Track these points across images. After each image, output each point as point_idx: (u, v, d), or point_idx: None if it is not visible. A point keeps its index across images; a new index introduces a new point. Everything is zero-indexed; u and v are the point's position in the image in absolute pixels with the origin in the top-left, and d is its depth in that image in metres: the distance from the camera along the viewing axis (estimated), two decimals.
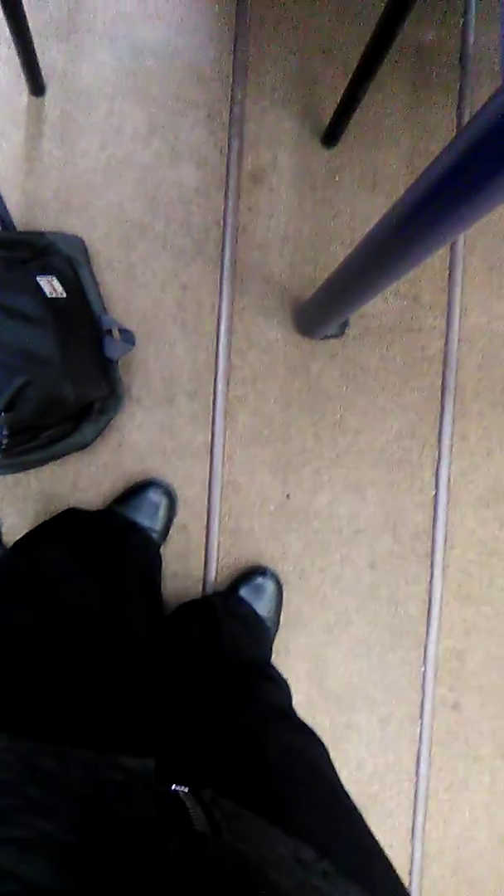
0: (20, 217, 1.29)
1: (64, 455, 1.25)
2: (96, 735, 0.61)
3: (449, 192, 0.59)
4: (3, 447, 1.03)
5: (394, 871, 0.64)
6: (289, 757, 0.72)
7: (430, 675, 1.39)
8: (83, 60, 1.33)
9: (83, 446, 1.24)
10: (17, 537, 1.20)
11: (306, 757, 0.74)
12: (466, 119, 1.41)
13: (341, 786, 0.73)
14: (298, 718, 0.86)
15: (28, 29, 1.16)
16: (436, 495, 1.39)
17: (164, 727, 0.77)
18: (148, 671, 0.85)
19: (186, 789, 0.47)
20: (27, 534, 1.15)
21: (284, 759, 0.71)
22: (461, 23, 1.41)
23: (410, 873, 1.40)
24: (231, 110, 1.36)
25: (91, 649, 0.76)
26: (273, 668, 1.15)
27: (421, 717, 1.40)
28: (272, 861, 0.44)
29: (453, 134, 1.40)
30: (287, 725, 0.81)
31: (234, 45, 1.36)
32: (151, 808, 0.42)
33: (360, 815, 0.69)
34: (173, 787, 0.47)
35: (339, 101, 1.28)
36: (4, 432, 1.02)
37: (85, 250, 1.28)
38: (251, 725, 0.77)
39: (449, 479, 1.39)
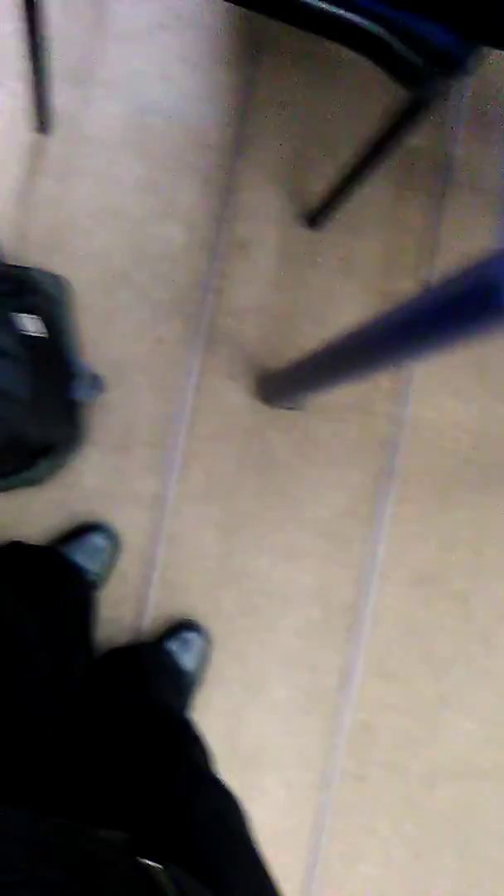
0: (6, 250, 1.31)
1: (14, 489, 1.25)
2: (47, 795, 0.63)
3: (419, 333, 0.66)
4: None
5: None
6: (216, 826, 0.75)
7: (340, 745, 1.44)
8: (93, 108, 1.37)
9: (35, 483, 1.25)
10: None
11: (230, 826, 0.77)
12: (444, 223, 1.51)
13: (258, 852, 0.76)
14: (221, 783, 0.89)
15: (47, 70, 1.19)
16: (367, 572, 1.45)
17: (97, 787, 0.78)
18: (83, 722, 0.87)
19: (159, 865, 0.48)
20: None
21: (212, 828, 0.74)
22: (447, 134, 1.51)
23: None
24: (226, 179, 1.42)
25: (37, 695, 0.77)
26: (194, 724, 1.17)
27: (325, 785, 1.43)
28: None
29: (432, 234, 1.50)
30: (213, 792, 0.84)
31: (239, 119, 1.43)
32: (130, 879, 0.44)
33: (273, 881, 0.73)
34: (146, 861, 0.48)
35: (327, 188, 1.35)
36: None
37: (68, 291, 1.31)
38: (182, 791, 0.80)
39: (382, 558, 1.46)
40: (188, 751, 0.97)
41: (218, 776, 0.94)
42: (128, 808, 0.74)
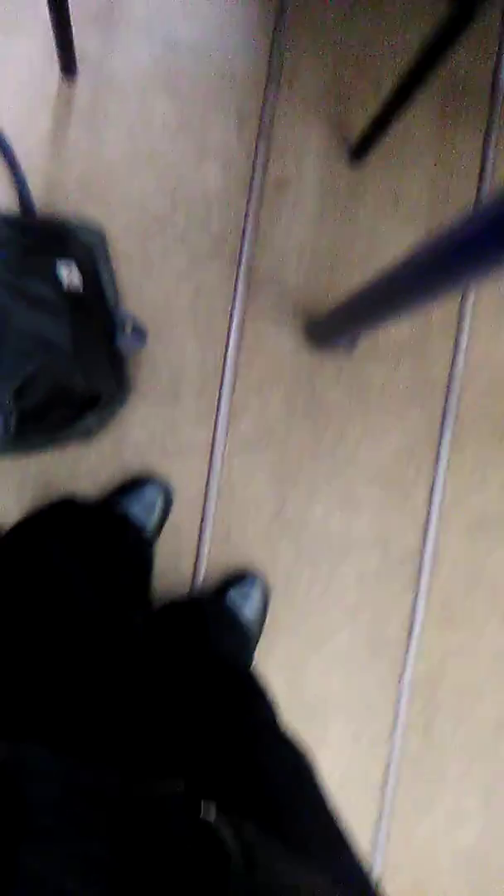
0: (41, 201, 1.28)
1: (66, 443, 1.24)
2: (106, 744, 0.61)
3: (476, 250, 0.60)
4: (10, 432, 1.02)
5: (370, 881, 0.65)
6: (285, 774, 0.72)
7: (404, 695, 1.40)
8: (119, 51, 1.32)
9: (87, 435, 1.23)
10: (10, 520, 1.19)
11: (300, 774, 0.74)
12: (492, 152, 1.43)
13: (329, 800, 0.73)
14: (288, 733, 0.86)
15: (68, 10, 1.14)
16: (428, 518, 1.40)
17: (160, 736, 0.76)
18: (144, 674, 0.85)
19: (217, 814, 0.46)
20: (24, 521, 1.14)
21: (281, 777, 0.71)
22: (493, 64, 1.42)
23: None
24: (261, 115, 1.36)
25: (94, 649, 0.75)
26: (258, 677, 1.15)
27: (392, 736, 1.41)
28: (303, 892, 0.44)
29: (478, 165, 1.42)
30: (280, 742, 0.81)
31: (271, 53, 1.36)
32: (186, 830, 0.42)
33: (344, 827, 0.70)
34: (203, 809, 0.46)
35: (368, 118, 1.29)
36: (13, 417, 1.01)
37: (105, 241, 1.27)
38: (246, 742, 0.77)
39: (442, 503, 1.41)
40: (252, 703, 0.95)
41: (285, 727, 0.91)
42: (190, 760, 0.71)
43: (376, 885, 0.66)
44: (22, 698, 0.63)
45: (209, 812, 0.45)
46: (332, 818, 0.71)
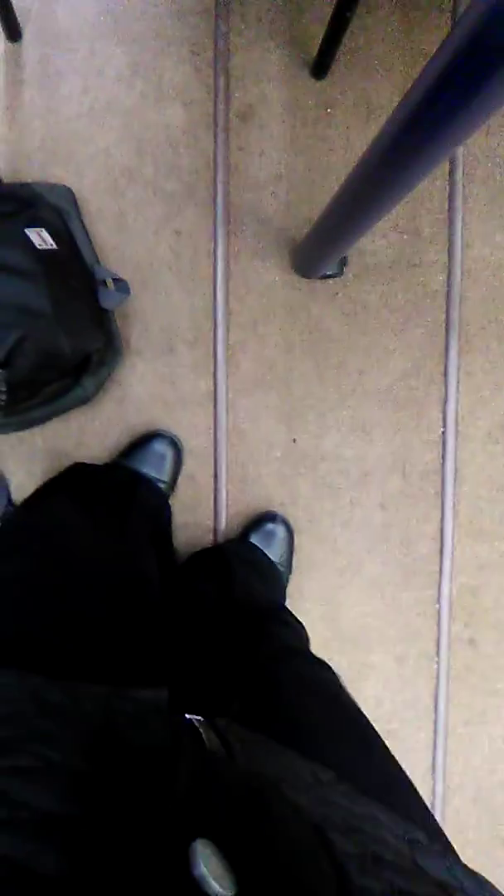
0: (4, 169, 1.26)
1: (66, 410, 1.24)
2: (106, 675, 0.61)
3: (440, 99, 0.56)
4: (2, 404, 1.02)
5: (419, 797, 0.64)
6: (306, 688, 0.72)
7: (444, 612, 1.40)
8: (61, 3, 1.28)
9: (85, 400, 1.23)
10: (25, 496, 1.20)
11: (324, 688, 0.74)
12: None
13: (363, 716, 0.72)
14: (314, 655, 0.86)
15: None
16: (444, 433, 1.37)
17: (176, 666, 0.77)
18: (162, 618, 0.85)
19: (200, 718, 0.47)
20: (35, 491, 1.15)
21: (301, 691, 0.71)
22: None
23: (432, 807, 1.43)
24: (215, 45, 1.31)
25: (100, 597, 0.76)
26: (289, 612, 1.15)
27: (437, 654, 1.40)
28: (289, 780, 0.44)
29: None
30: (303, 661, 0.81)
31: None
32: (164, 735, 0.42)
33: (383, 743, 0.69)
34: (186, 715, 0.47)
35: (326, 28, 1.23)
36: (3, 388, 1.01)
37: (73, 200, 1.25)
38: (266, 661, 0.77)
39: (456, 416, 1.38)
40: (276, 633, 0.95)
41: (309, 651, 0.91)
42: (210, 684, 0.72)
43: (411, 788, 0.65)
44: (18, 632, 0.64)
45: (193, 717, 0.45)
46: (361, 730, 0.70)
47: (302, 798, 0.43)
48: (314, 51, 1.31)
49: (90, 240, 1.25)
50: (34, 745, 0.38)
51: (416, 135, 0.64)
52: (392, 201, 0.84)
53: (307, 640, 1.08)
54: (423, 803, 0.64)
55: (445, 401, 1.37)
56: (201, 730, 0.44)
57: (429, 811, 0.63)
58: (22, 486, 1.28)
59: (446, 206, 1.36)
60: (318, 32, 1.28)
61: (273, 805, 0.40)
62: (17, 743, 0.38)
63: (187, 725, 0.45)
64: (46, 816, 0.34)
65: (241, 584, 1.12)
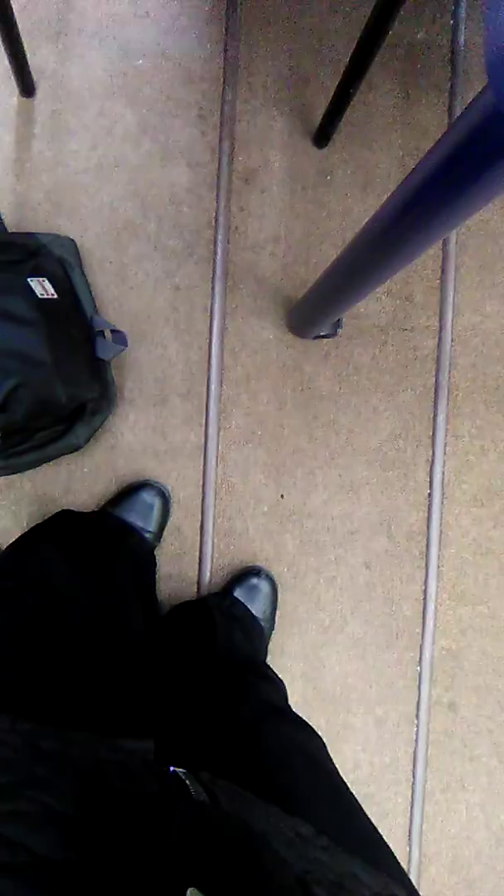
0: (10, 219, 1.29)
1: (57, 457, 1.24)
2: (92, 723, 0.61)
3: (439, 188, 0.59)
4: None
5: (394, 856, 0.64)
6: (287, 749, 0.72)
7: (425, 675, 1.39)
8: (73, 61, 1.33)
9: (76, 448, 1.23)
10: (11, 540, 1.20)
11: (304, 749, 0.74)
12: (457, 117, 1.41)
13: (340, 777, 0.72)
14: (295, 714, 0.86)
15: (17, 28, 1.15)
16: (430, 495, 1.39)
17: (160, 719, 0.77)
18: (144, 668, 0.85)
19: (185, 770, 0.47)
20: (21, 536, 1.15)
21: (282, 751, 0.71)
22: (451, 22, 1.41)
23: (409, 873, 1.40)
24: (222, 110, 1.35)
25: (87, 647, 0.75)
26: (269, 668, 1.14)
27: (417, 717, 1.39)
28: (273, 833, 0.44)
29: (446, 131, 1.40)
30: (284, 720, 0.81)
31: (225, 45, 1.36)
32: (152, 785, 0.43)
33: (360, 806, 0.69)
34: (171, 768, 0.47)
35: (328, 100, 1.28)
36: None
37: (76, 251, 1.28)
38: (248, 719, 0.77)
39: (443, 479, 1.39)
40: (257, 688, 0.95)
41: (290, 709, 0.91)
42: (189, 739, 0.71)
43: (390, 851, 0.65)
44: (9, 682, 0.64)
45: (178, 769, 0.46)
46: (338, 792, 0.70)
47: (285, 851, 0.43)
48: (317, 120, 1.36)
49: (90, 291, 1.27)
50: (30, 791, 0.38)
51: (421, 212, 0.66)
52: (390, 272, 0.86)
53: (286, 696, 1.08)
54: (398, 862, 0.63)
55: (432, 463, 1.39)
56: (187, 781, 0.45)
57: (404, 870, 0.63)
58: (8, 529, 1.28)
59: (439, 274, 1.40)
60: (321, 103, 1.34)
61: (262, 856, 0.40)
62: (15, 788, 0.38)
63: (173, 777, 0.45)
64: (44, 861, 0.35)
65: (223, 639, 1.12)
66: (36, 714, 0.57)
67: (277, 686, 1.02)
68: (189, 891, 0.33)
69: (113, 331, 1.22)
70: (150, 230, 1.33)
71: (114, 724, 0.64)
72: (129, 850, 0.36)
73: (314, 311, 1.21)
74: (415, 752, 1.40)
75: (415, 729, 1.40)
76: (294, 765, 0.69)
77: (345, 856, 0.49)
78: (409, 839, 1.40)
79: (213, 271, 1.34)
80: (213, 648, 1.04)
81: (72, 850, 0.36)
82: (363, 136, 1.38)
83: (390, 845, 0.65)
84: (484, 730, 1.41)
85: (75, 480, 1.30)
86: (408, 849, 1.40)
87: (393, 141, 1.39)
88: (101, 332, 1.21)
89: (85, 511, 1.28)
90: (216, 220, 1.34)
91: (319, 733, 0.82)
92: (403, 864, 1.37)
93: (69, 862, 0.35)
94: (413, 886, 0.59)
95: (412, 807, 1.40)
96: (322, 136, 1.36)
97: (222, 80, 1.36)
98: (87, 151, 1.32)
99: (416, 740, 1.40)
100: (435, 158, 0.58)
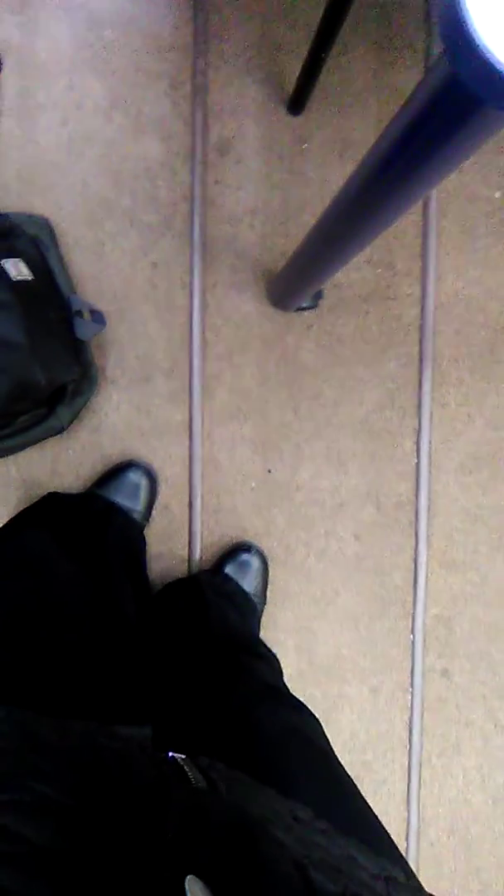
0: None
1: (41, 440, 1.23)
2: (88, 708, 0.61)
3: (404, 155, 0.58)
4: None
5: (389, 838, 0.64)
6: (283, 732, 0.72)
7: (418, 643, 1.40)
8: (38, 34, 1.29)
9: (59, 430, 1.22)
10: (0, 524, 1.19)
11: (300, 732, 0.74)
12: None
13: (336, 759, 0.73)
14: (291, 695, 0.86)
15: None
16: (417, 464, 1.39)
17: (156, 702, 0.77)
18: (137, 650, 0.85)
19: (183, 756, 0.47)
20: (9, 521, 1.14)
21: (278, 734, 0.71)
22: None
23: (407, 838, 1.42)
24: (193, 80, 1.33)
25: (79, 630, 0.75)
26: (263, 644, 1.15)
27: (411, 685, 1.40)
28: (271, 818, 0.44)
29: None
30: (280, 702, 0.81)
31: (194, 13, 1.32)
32: (150, 772, 0.43)
33: (355, 786, 0.70)
34: (169, 753, 0.47)
35: (302, 66, 1.25)
36: None
37: (51, 230, 1.25)
38: (243, 703, 0.77)
39: (430, 448, 1.39)
40: (252, 668, 0.95)
41: (286, 690, 0.91)
42: (185, 722, 0.71)
43: (385, 833, 0.66)
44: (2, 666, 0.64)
45: (176, 755, 0.46)
46: (334, 773, 0.71)
47: (283, 836, 0.43)
48: (290, 87, 1.33)
49: (67, 270, 1.25)
50: (27, 780, 0.38)
51: (389, 179, 0.65)
52: (366, 239, 0.85)
53: (281, 672, 1.08)
54: (394, 843, 0.64)
55: (419, 432, 1.39)
56: (186, 767, 0.45)
57: (400, 852, 0.64)
58: None
59: (420, 241, 1.38)
60: (294, 69, 1.31)
61: (260, 842, 0.41)
62: (12, 777, 0.38)
63: (172, 764, 0.45)
64: (42, 851, 0.35)
65: (216, 617, 1.12)
66: (32, 701, 0.57)
67: (272, 663, 1.02)
68: (187, 878, 0.34)
69: (91, 310, 1.21)
70: (124, 206, 1.31)
71: (110, 709, 0.64)
72: (127, 839, 0.36)
73: (294, 282, 1.19)
74: (410, 720, 1.41)
75: (409, 697, 1.41)
76: (290, 747, 0.69)
77: (343, 839, 0.49)
78: (408, 805, 1.42)
79: (191, 246, 1.32)
80: (206, 627, 1.04)
81: (70, 839, 0.36)
82: (338, 101, 1.36)
83: (389, 811, 0.66)
84: (478, 695, 1.42)
85: (61, 463, 1.29)
86: (406, 814, 1.42)
87: (369, 105, 1.36)
88: (80, 312, 1.19)
89: (72, 493, 1.28)
90: (192, 194, 1.32)
91: (315, 707, 0.83)
92: (402, 830, 1.39)
93: (68, 851, 0.35)
94: (409, 868, 0.60)
95: (409, 773, 1.41)
96: (296, 103, 1.33)
97: (192, 48, 1.32)
98: (57, 127, 1.29)
99: (412, 707, 1.41)
100: (398, 126, 0.57)
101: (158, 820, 0.38)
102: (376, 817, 0.65)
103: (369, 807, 0.67)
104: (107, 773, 0.41)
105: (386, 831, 0.64)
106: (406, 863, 0.62)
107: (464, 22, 0.39)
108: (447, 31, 0.41)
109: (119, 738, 0.46)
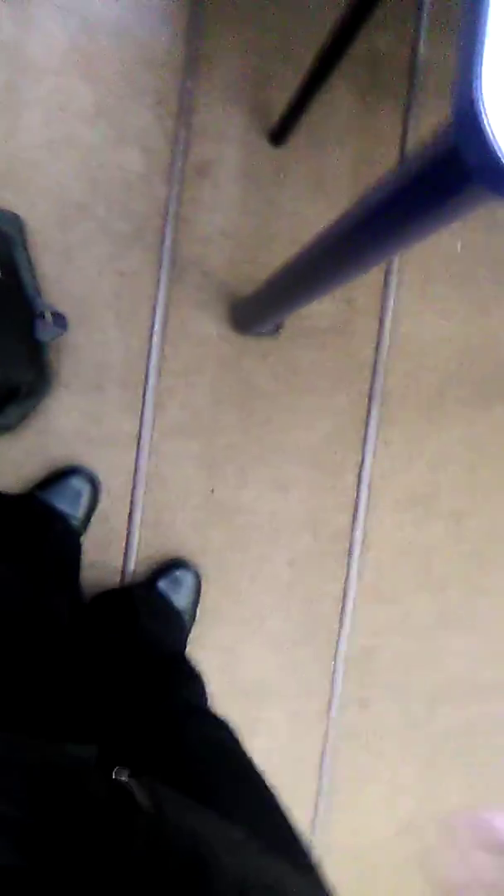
0: None
1: None
2: (26, 716, 0.61)
3: (388, 218, 0.61)
4: None
5: (311, 852, 0.67)
6: (207, 749, 0.74)
7: (340, 671, 1.43)
8: (33, 30, 1.29)
9: (6, 429, 1.21)
10: None
11: (223, 747, 0.76)
12: (412, 132, 1.44)
13: (258, 772, 0.75)
14: (213, 713, 0.88)
15: None
16: (357, 497, 1.42)
17: (91, 717, 0.77)
18: (71, 660, 0.85)
19: (127, 775, 0.48)
20: None
21: (203, 751, 0.73)
22: (413, 33, 1.43)
23: None
24: (181, 99, 1.34)
25: (13, 638, 0.75)
26: (188, 661, 1.15)
27: (329, 712, 1.43)
28: (213, 840, 0.46)
29: (398, 145, 1.43)
30: (203, 721, 0.83)
31: (189, 35, 1.34)
32: (100, 792, 0.43)
33: (274, 796, 0.72)
34: (115, 774, 0.48)
35: (289, 100, 1.28)
36: None
37: (21, 228, 1.25)
38: (169, 719, 0.78)
39: (370, 482, 1.43)
40: (179, 685, 0.96)
41: (211, 708, 0.93)
42: (113, 734, 0.72)
43: (307, 846, 0.68)
44: None
45: (121, 774, 0.47)
46: (257, 788, 0.73)
47: (225, 858, 0.45)
48: (275, 118, 1.36)
49: (34, 269, 1.25)
50: None
51: (373, 231, 0.68)
52: (339, 282, 0.88)
53: (205, 690, 1.09)
54: (314, 856, 0.67)
55: (361, 466, 1.42)
56: (133, 789, 0.46)
57: (320, 864, 0.66)
58: None
59: (382, 282, 1.43)
60: (280, 101, 1.34)
61: (209, 864, 0.42)
62: None
63: (118, 783, 0.46)
64: (1, 869, 0.35)
65: (144, 631, 1.12)
66: None
67: (195, 682, 1.03)
68: None
69: (54, 313, 1.20)
70: (98, 212, 1.31)
71: (50, 722, 0.64)
72: (80, 857, 0.37)
73: (260, 310, 1.22)
74: (324, 746, 1.44)
75: (326, 724, 1.43)
76: (217, 763, 0.71)
77: (276, 859, 0.51)
78: (314, 829, 1.44)
79: (160, 260, 1.33)
80: (134, 641, 1.05)
81: (25, 855, 0.36)
82: (319, 138, 1.39)
83: None
84: (392, 727, 1.46)
85: (3, 462, 1.28)
86: (311, 839, 1.44)
87: (348, 146, 1.40)
88: (42, 314, 1.19)
89: (10, 493, 1.26)
90: (166, 209, 1.34)
91: (234, 727, 0.84)
92: None
93: (22, 868, 0.35)
94: (329, 884, 0.62)
95: (318, 799, 1.44)
96: (279, 135, 1.36)
97: (183, 69, 1.34)
98: (39, 126, 1.29)
99: (326, 735, 1.44)
100: (390, 187, 0.60)
101: (116, 842, 0.39)
102: (299, 833, 0.68)
103: (292, 823, 0.69)
104: (60, 792, 0.42)
105: (307, 845, 0.67)
106: (326, 878, 0.64)
107: (477, 114, 0.41)
108: (460, 111, 0.43)
109: (68, 756, 0.47)
